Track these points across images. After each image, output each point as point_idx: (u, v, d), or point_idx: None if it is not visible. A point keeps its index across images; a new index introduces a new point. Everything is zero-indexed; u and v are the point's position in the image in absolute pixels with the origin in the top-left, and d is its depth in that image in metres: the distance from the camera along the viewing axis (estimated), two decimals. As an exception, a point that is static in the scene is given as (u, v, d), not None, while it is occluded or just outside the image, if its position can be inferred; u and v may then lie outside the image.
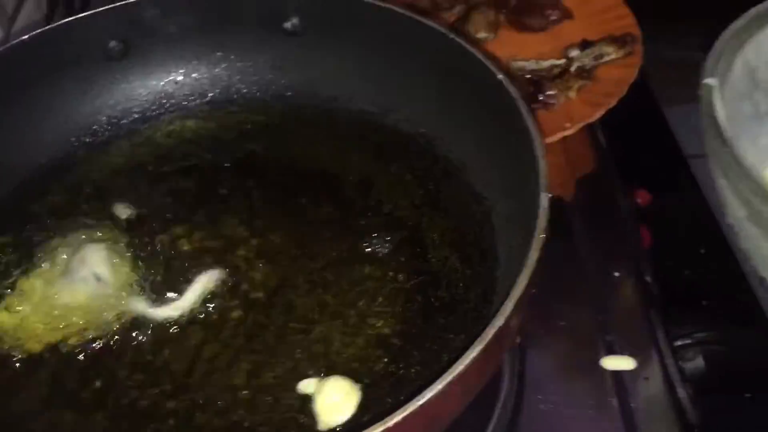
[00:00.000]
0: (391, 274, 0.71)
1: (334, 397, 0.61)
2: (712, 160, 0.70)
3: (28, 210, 0.77)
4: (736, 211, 0.67)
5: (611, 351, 0.74)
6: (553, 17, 1.08)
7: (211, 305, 0.69)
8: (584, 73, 1.00)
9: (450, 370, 0.49)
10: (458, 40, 0.74)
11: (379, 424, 0.46)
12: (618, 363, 0.74)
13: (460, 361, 0.49)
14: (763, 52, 0.77)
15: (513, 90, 0.68)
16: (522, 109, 0.66)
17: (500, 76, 0.70)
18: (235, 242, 0.74)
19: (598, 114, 0.93)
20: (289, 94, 0.87)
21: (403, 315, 0.68)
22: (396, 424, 0.46)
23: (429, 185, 0.78)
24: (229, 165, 0.82)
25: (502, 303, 0.53)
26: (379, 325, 0.67)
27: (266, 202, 0.78)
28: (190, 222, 0.76)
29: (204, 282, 0.70)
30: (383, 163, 0.81)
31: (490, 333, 0.50)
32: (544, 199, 0.59)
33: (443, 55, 0.76)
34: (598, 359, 0.74)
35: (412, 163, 0.80)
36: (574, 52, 1.02)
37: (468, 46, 0.73)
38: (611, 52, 1.00)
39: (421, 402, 0.47)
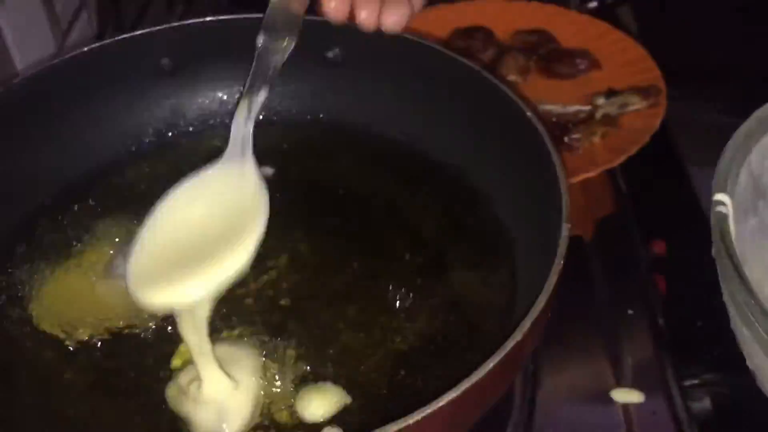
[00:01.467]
0: (412, 294, 0.74)
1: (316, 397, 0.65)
2: (721, 278, 0.66)
3: (73, 209, 0.82)
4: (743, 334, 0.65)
5: (621, 384, 0.77)
6: (582, 66, 1.12)
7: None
8: (609, 120, 1.04)
9: (469, 378, 0.51)
10: (490, 77, 0.78)
11: (400, 420, 0.49)
12: (627, 396, 0.76)
13: (479, 370, 0.52)
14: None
15: (540, 126, 0.72)
16: (548, 145, 0.70)
17: (529, 114, 0.74)
18: (264, 253, 0.77)
19: (620, 160, 0.97)
20: (325, 118, 0.91)
21: (423, 333, 0.71)
22: (415, 423, 0.49)
23: (454, 212, 0.81)
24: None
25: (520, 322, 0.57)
26: (399, 340, 0.70)
27: (297, 217, 0.82)
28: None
29: None
30: (411, 189, 0.85)
31: (508, 346, 0.53)
32: (565, 229, 0.63)
33: (475, 91, 0.80)
34: (609, 390, 0.76)
35: (439, 191, 0.84)
36: (600, 100, 1.06)
37: (499, 84, 0.77)
38: (636, 102, 1.04)
39: (440, 404, 0.50)
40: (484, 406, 0.55)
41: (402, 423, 0.49)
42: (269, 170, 0.84)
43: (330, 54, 0.89)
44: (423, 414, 0.49)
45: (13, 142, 0.80)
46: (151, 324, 0.71)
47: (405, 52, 0.85)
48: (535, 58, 1.14)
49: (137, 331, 0.71)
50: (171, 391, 0.65)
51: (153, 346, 0.70)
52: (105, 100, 0.87)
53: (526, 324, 0.54)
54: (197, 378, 0.63)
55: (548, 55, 1.14)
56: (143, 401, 0.66)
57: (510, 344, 0.53)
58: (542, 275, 0.64)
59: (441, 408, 0.50)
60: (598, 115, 1.05)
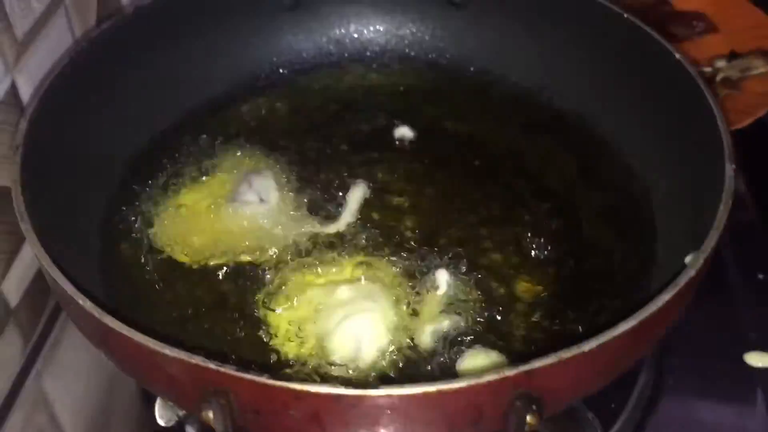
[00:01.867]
0: (542, 239, 0.71)
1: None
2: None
3: (194, 138, 0.81)
4: None
5: (755, 347, 0.73)
6: (698, 29, 1.08)
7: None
8: (730, 83, 0.99)
9: (642, 310, 0.49)
10: (633, 19, 0.75)
11: (573, 347, 0.46)
12: (761, 359, 0.72)
13: (654, 301, 0.49)
14: None
15: (690, 67, 0.69)
16: (701, 85, 0.66)
17: (678, 56, 0.70)
18: (389, 191, 0.76)
19: (745, 122, 0.92)
20: (444, 62, 0.89)
21: (555, 276, 0.68)
22: (590, 351, 0.46)
23: (582, 160, 0.79)
24: (380, 121, 0.84)
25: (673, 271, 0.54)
26: (531, 282, 0.68)
27: (416, 158, 0.80)
28: (346, 165, 0.78)
29: (356, 197, 0.73)
30: (534, 136, 0.82)
31: (681, 282, 0.50)
32: (730, 170, 0.59)
33: (612, 33, 0.77)
34: (741, 354, 0.73)
35: (565, 139, 0.81)
36: (721, 63, 1.02)
37: (644, 26, 0.74)
38: (759, 66, 1.00)
39: (614, 333, 0.47)
40: (650, 342, 0.52)
41: (575, 350, 0.46)
42: (409, 132, 0.82)
43: (455, -5, 0.87)
44: (598, 342, 0.47)
45: (134, 70, 0.79)
46: (272, 254, 0.70)
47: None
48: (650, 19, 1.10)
49: (257, 260, 0.70)
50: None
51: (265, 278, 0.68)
52: (223, 33, 0.86)
53: (699, 260, 0.51)
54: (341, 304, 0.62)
55: (663, 17, 1.10)
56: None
57: (683, 280, 0.50)
58: (690, 222, 0.61)
59: (615, 338, 0.47)
60: (719, 77, 1.01)
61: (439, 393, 0.45)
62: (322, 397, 0.45)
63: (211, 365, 0.45)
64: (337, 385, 0.44)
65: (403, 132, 0.82)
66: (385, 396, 0.45)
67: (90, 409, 0.79)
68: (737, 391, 0.71)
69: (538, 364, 0.46)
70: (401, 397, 0.45)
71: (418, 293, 0.66)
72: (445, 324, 0.63)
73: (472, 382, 0.45)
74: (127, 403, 0.83)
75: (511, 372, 0.45)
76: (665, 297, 0.49)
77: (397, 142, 0.82)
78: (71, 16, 0.85)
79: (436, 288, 0.66)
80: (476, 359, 0.61)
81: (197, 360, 0.45)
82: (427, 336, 0.63)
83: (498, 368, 0.45)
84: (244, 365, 0.46)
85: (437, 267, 0.68)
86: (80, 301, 0.49)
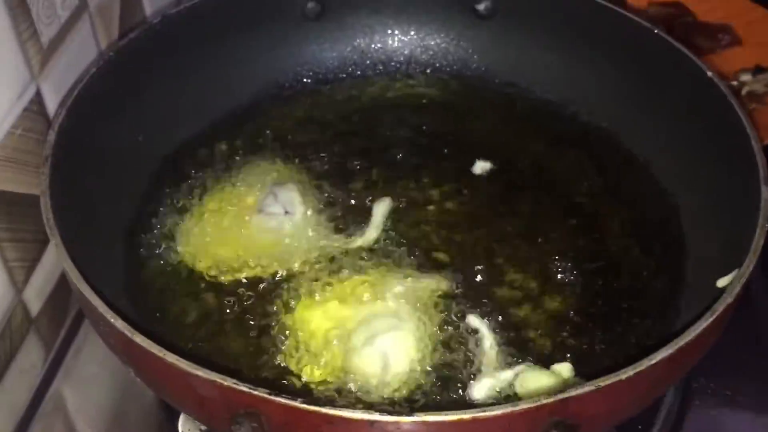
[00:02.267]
0: (570, 254, 0.71)
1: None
2: None
3: (218, 148, 0.80)
4: None
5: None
6: (724, 42, 1.07)
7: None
8: (755, 97, 0.98)
9: (681, 337, 0.48)
10: (663, 35, 0.74)
11: (611, 375, 0.46)
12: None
13: (692, 328, 0.48)
14: None
15: (724, 86, 0.68)
16: (735, 105, 0.66)
17: (710, 74, 0.69)
18: (415, 206, 0.75)
19: (771, 138, 0.92)
20: (469, 74, 0.88)
21: (582, 295, 0.68)
22: (628, 378, 0.46)
23: (608, 176, 0.78)
24: (403, 133, 0.84)
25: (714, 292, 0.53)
26: (558, 300, 0.67)
27: (437, 172, 0.79)
28: (371, 178, 0.78)
29: (382, 210, 0.72)
30: (560, 151, 0.81)
31: (719, 308, 0.50)
32: (766, 192, 0.58)
33: (641, 48, 0.76)
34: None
35: (592, 154, 0.80)
36: (746, 77, 1.01)
37: (675, 42, 0.73)
38: (785, 80, 0.99)
39: (653, 361, 0.46)
40: (686, 369, 0.52)
41: (613, 378, 0.46)
42: (487, 165, 0.80)
43: (480, 6, 0.86)
44: (636, 370, 0.46)
45: (159, 80, 0.79)
46: (296, 268, 0.69)
47: (557, 6, 0.82)
48: (673, 30, 1.09)
49: (281, 273, 0.69)
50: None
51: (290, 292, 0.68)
52: (248, 43, 0.85)
53: (737, 283, 0.51)
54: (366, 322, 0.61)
55: (687, 28, 1.09)
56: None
57: (721, 306, 0.50)
58: (727, 240, 0.60)
59: (653, 365, 0.47)
60: (744, 91, 1.00)
61: (474, 420, 0.44)
62: (355, 423, 0.45)
63: (244, 388, 0.45)
64: (372, 411, 0.44)
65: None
66: (420, 422, 0.44)
67: (109, 419, 0.78)
68: (764, 411, 0.71)
69: (575, 392, 0.45)
70: (436, 424, 0.45)
71: (444, 312, 0.66)
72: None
73: (508, 410, 0.44)
74: (147, 414, 0.83)
75: (548, 400, 0.45)
76: (703, 324, 0.48)
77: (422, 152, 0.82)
78: (95, 22, 0.84)
79: (473, 331, 0.64)
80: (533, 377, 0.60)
81: (230, 382, 0.45)
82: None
83: (535, 396, 0.44)
84: (276, 388, 0.45)
85: (463, 287, 0.67)
86: (111, 320, 0.49)
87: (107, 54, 0.73)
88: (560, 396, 0.45)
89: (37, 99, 0.73)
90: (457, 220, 0.75)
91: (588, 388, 0.45)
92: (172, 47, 0.79)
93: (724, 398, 0.71)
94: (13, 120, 0.67)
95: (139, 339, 0.47)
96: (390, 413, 0.44)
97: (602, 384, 0.45)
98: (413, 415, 0.44)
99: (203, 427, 0.65)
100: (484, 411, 0.45)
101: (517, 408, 0.44)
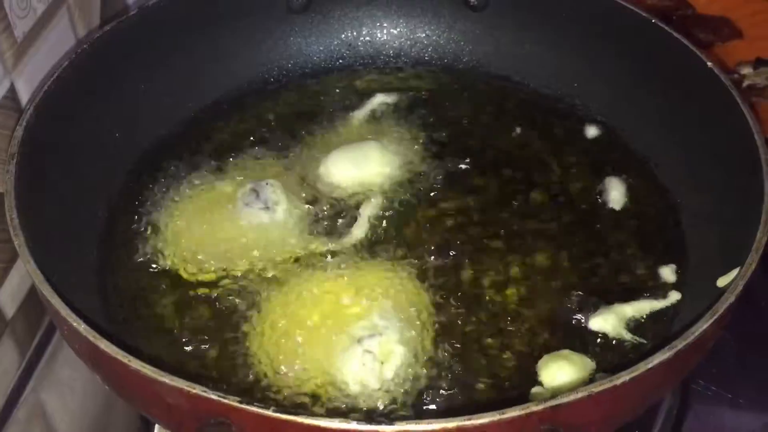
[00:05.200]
0: (564, 252, 0.68)
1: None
2: None
3: (197, 144, 0.78)
4: None
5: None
6: (723, 34, 1.04)
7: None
8: (756, 90, 0.96)
9: (679, 339, 0.45)
10: (662, 25, 0.71)
11: (605, 381, 0.43)
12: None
13: (689, 332, 0.46)
14: None
15: (725, 78, 0.65)
16: (736, 96, 0.63)
17: (710, 64, 0.67)
18: (403, 204, 0.72)
19: (773, 131, 0.89)
20: (461, 67, 0.85)
21: (577, 294, 0.64)
22: (622, 384, 0.43)
23: (606, 173, 0.74)
24: (392, 131, 0.80)
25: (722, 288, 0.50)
26: (555, 299, 0.64)
27: (431, 168, 0.76)
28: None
29: (369, 210, 0.70)
30: (555, 145, 0.78)
31: (720, 308, 0.47)
32: (768, 186, 0.56)
33: (638, 39, 0.74)
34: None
35: (587, 149, 0.77)
36: (746, 70, 0.98)
37: (674, 32, 0.70)
38: (787, 74, 0.96)
39: (648, 366, 0.44)
40: (684, 373, 0.49)
41: (606, 384, 0.43)
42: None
43: (472, -2, 0.84)
44: (630, 375, 0.43)
45: (135, 73, 0.76)
46: (278, 267, 0.66)
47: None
48: (673, 23, 1.06)
49: (262, 273, 0.66)
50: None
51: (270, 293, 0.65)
52: (230, 36, 0.82)
53: (740, 283, 0.48)
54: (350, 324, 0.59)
55: (686, 21, 1.06)
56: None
57: (722, 307, 0.47)
58: (727, 238, 0.58)
59: (648, 370, 0.44)
60: (744, 84, 0.97)
61: (459, 429, 0.42)
62: (331, 432, 0.42)
63: (213, 396, 0.42)
64: (349, 420, 0.41)
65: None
66: (401, 432, 0.41)
67: (88, 423, 0.76)
68: (765, 414, 0.68)
69: (566, 398, 0.42)
70: (418, 434, 0.42)
71: (430, 311, 0.63)
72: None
73: (495, 417, 0.42)
74: (126, 418, 0.80)
75: (537, 407, 0.42)
76: (703, 325, 0.45)
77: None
78: (74, 16, 0.82)
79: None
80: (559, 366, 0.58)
81: (198, 390, 0.42)
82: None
83: (523, 404, 0.41)
84: (247, 395, 0.43)
85: (452, 284, 0.65)
86: (74, 324, 0.46)
87: (80, 47, 0.70)
88: (550, 403, 0.42)
89: (11, 95, 0.71)
90: (447, 218, 0.71)
91: (580, 394, 0.42)
92: (150, 40, 0.76)
93: (724, 401, 0.69)
94: (-15, 116, 0.65)
95: (103, 344, 0.44)
96: (369, 422, 0.41)
97: (595, 390, 0.42)
98: (394, 425, 0.42)
99: (180, 435, 0.62)
100: (470, 419, 0.42)
101: (505, 416, 0.42)
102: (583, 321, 0.62)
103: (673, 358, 0.45)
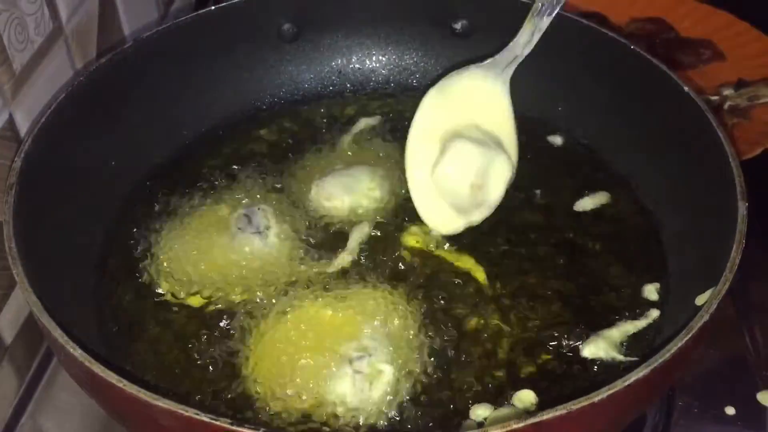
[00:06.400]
0: (549, 273, 0.70)
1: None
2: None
3: (192, 170, 0.79)
4: None
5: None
6: (705, 56, 1.07)
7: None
8: (738, 111, 0.98)
9: (656, 357, 0.47)
10: (638, 50, 0.74)
11: (582, 399, 0.45)
12: (775, 399, 0.70)
13: (665, 350, 0.47)
14: None
15: (701, 102, 0.67)
16: (711, 120, 0.65)
17: (686, 89, 0.69)
18: (392, 230, 0.74)
19: (756, 152, 0.91)
20: (448, 93, 0.88)
21: (562, 315, 0.66)
22: (600, 401, 0.44)
23: (588, 194, 0.76)
24: (382, 155, 0.83)
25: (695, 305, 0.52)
26: (535, 321, 0.66)
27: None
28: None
29: (358, 235, 0.71)
30: (540, 169, 0.80)
31: (696, 325, 0.48)
32: (743, 209, 0.57)
33: (619, 65, 0.76)
34: (754, 393, 0.71)
35: (571, 171, 0.79)
36: (728, 91, 1.00)
37: (652, 58, 0.72)
38: (767, 94, 0.98)
39: (626, 383, 0.45)
40: (663, 389, 0.50)
41: (584, 401, 0.44)
42: None
43: (457, 25, 0.86)
44: (609, 392, 0.45)
45: (133, 104, 0.78)
46: (269, 292, 0.67)
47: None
48: (658, 45, 1.09)
49: (254, 297, 0.67)
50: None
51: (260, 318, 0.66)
52: (223, 64, 0.85)
53: (713, 301, 0.50)
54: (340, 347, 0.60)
55: (668, 44, 1.09)
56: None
57: (697, 324, 0.48)
58: (706, 257, 0.59)
59: (626, 387, 0.45)
60: (726, 106, 0.99)
61: (441, 448, 0.43)
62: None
63: (205, 418, 0.44)
64: (337, 439, 0.43)
65: None
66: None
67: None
68: (750, 429, 0.69)
69: (546, 416, 0.44)
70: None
71: (418, 332, 0.64)
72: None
73: (476, 436, 0.43)
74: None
75: (518, 425, 0.43)
76: (678, 343, 0.47)
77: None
78: (71, 46, 0.84)
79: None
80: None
81: (191, 413, 0.44)
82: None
83: (503, 422, 0.43)
84: (240, 417, 0.44)
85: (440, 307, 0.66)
86: (71, 349, 0.47)
87: (77, 79, 0.72)
88: (531, 421, 0.43)
89: (10, 126, 0.73)
90: (434, 241, 0.73)
91: (559, 412, 0.44)
92: (144, 71, 0.78)
93: (708, 417, 0.70)
94: (-17, 147, 0.67)
95: (98, 369, 0.46)
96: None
97: (574, 407, 0.44)
98: (380, 444, 0.43)
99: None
100: (451, 438, 0.43)
101: (486, 435, 0.43)
102: (575, 347, 0.64)
103: (650, 375, 0.46)
